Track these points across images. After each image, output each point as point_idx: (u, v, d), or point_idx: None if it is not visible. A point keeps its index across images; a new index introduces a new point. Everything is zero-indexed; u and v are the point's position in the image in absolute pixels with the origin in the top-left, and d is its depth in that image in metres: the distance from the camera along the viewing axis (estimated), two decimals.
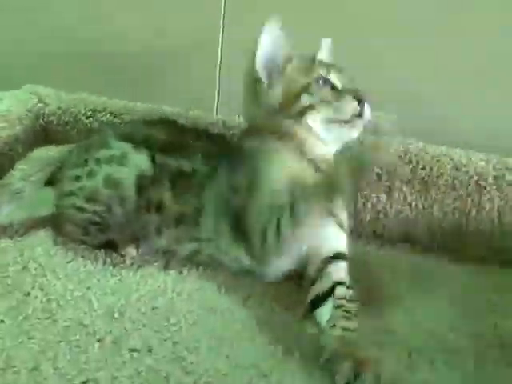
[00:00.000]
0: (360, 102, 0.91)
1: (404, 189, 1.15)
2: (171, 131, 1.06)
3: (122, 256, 0.98)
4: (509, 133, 1.26)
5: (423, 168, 1.14)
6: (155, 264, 0.97)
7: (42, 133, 1.28)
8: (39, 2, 1.47)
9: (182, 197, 0.97)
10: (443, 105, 1.29)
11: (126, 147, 1.00)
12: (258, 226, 0.89)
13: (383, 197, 1.16)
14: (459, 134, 1.24)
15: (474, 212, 1.12)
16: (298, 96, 0.92)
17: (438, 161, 1.14)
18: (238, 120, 1.24)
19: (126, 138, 1.02)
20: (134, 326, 0.80)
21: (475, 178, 1.12)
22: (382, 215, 1.16)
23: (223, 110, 1.44)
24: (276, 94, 0.94)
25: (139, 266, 0.96)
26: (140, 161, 0.99)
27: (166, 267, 0.97)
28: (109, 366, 0.71)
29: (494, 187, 1.11)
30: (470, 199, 1.12)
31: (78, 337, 0.76)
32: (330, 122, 0.92)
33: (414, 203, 1.14)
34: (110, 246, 1.00)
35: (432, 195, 1.14)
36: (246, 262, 0.94)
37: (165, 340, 0.78)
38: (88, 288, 0.88)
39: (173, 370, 0.72)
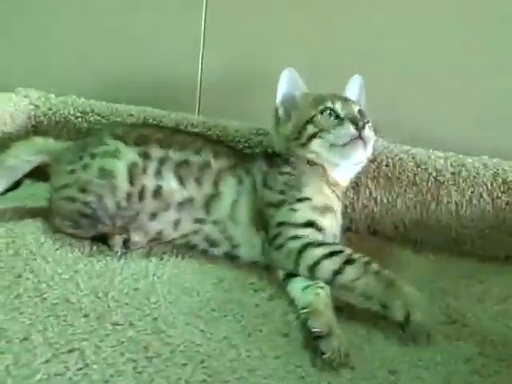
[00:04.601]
0: (357, 126, 1.02)
1: (370, 185, 1.24)
2: (168, 131, 1.19)
3: (110, 246, 1.05)
4: (464, 134, 1.35)
5: (387, 165, 1.23)
6: (138, 251, 1.06)
7: (34, 132, 1.36)
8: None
9: (192, 183, 1.08)
10: (407, 108, 1.38)
11: (119, 144, 1.09)
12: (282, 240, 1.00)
13: (350, 192, 1.25)
14: (420, 135, 1.33)
15: (433, 205, 1.22)
16: (305, 126, 1.07)
17: (400, 158, 1.23)
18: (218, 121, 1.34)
19: (120, 138, 1.11)
20: (117, 304, 0.88)
21: (434, 174, 1.21)
22: (349, 209, 1.26)
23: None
24: (291, 126, 1.10)
25: (123, 253, 1.04)
26: (131, 154, 1.08)
27: (148, 255, 1.05)
28: (93, 338, 0.78)
29: (452, 182, 1.21)
30: (429, 194, 1.22)
31: (65, 312, 0.84)
32: (332, 146, 1.04)
33: (378, 197, 1.24)
34: (99, 238, 1.07)
35: (395, 190, 1.23)
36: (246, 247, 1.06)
37: (145, 316, 0.85)
38: (75, 272, 0.96)
39: (152, 341, 0.79)
